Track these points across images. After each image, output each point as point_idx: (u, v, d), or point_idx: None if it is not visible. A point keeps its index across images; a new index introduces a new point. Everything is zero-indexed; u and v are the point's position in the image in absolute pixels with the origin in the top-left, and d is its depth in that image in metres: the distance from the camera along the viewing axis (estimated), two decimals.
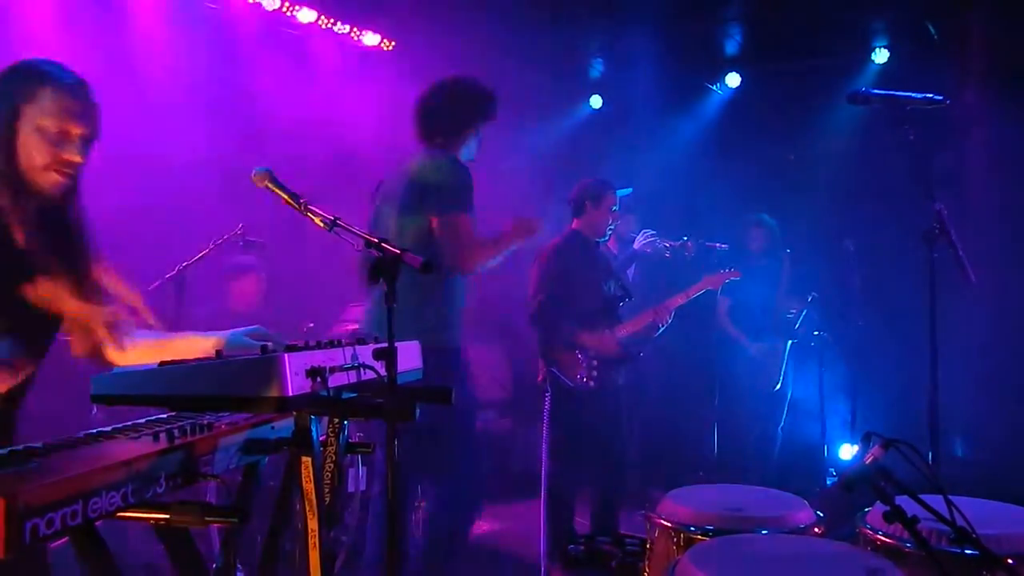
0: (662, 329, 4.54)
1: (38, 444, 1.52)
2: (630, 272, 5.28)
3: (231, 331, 2.11)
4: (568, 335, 4.16)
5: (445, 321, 3.18)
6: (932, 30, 5.93)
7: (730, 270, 4.89)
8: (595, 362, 4.20)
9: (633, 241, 5.10)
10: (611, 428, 4.35)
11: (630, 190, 4.60)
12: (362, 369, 1.88)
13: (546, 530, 4.06)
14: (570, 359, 4.18)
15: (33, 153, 1.83)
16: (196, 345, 2.04)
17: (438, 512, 3.27)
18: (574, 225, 4.44)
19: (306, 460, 1.80)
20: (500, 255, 3.22)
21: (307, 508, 1.81)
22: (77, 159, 1.88)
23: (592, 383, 4.18)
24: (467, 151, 3.40)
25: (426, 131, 3.40)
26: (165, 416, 1.90)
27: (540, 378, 4.30)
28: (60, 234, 1.96)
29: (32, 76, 1.84)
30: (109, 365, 2.03)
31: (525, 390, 3.46)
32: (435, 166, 3.22)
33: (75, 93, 1.87)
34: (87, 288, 1.98)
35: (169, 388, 1.68)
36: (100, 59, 4.37)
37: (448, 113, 3.38)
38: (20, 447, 1.48)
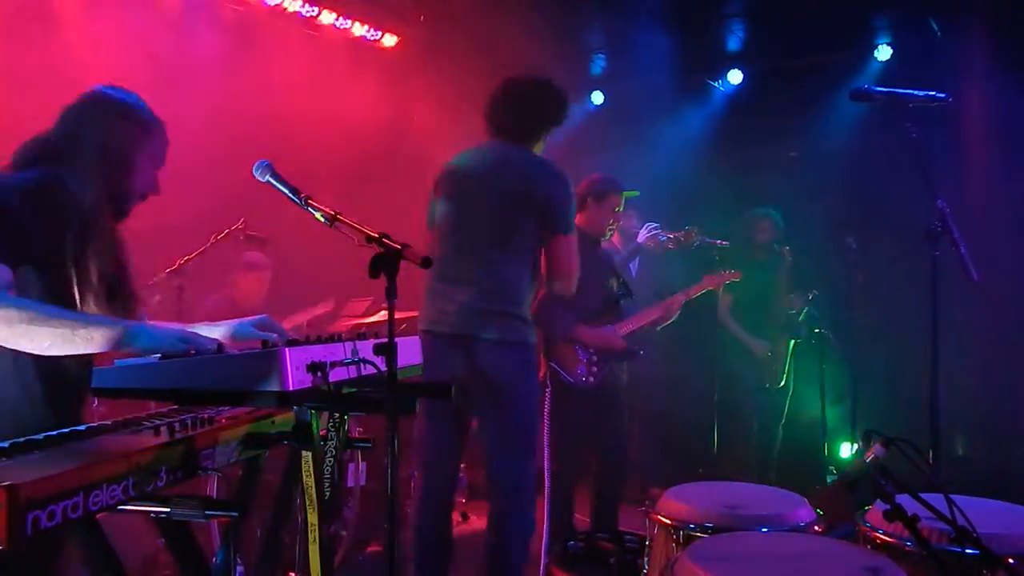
0: (662, 326, 4.54)
1: (40, 436, 1.52)
2: (633, 267, 5.28)
3: (238, 322, 2.13)
4: (568, 331, 4.16)
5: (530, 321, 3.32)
6: (935, 27, 5.92)
7: (730, 271, 4.89)
8: (595, 358, 4.20)
9: (636, 236, 5.09)
10: (611, 425, 4.35)
11: (638, 192, 4.58)
12: (363, 364, 1.88)
13: (547, 527, 4.07)
14: (570, 355, 4.17)
15: (146, 181, 2.15)
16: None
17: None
18: (576, 221, 4.42)
19: (306, 455, 1.80)
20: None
21: (307, 502, 1.82)
22: (157, 190, 2.21)
23: (592, 379, 4.17)
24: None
25: (517, 126, 3.36)
26: (166, 410, 1.90)
27: (541, 375, 4.30)
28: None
29: (144, 115, 2.14)
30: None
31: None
32: (559, 179, 3.29)
33: (165, 134, 2.21)
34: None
35: (170, 382, 1.68)
36: (99, 56, 4.39)
37: (539, 111, 3.40)
38: (21, 439, 1.48)
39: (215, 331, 2.10)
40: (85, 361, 1.98)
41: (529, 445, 3.27)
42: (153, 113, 2.16)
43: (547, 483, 4.12)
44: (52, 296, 1.86)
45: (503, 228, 3.21)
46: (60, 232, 1.91)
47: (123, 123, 2.08)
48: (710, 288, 4.81)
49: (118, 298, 2.08)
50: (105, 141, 2.03)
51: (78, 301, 1.95)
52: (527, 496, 3.25)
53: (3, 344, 1.75)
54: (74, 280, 1.94)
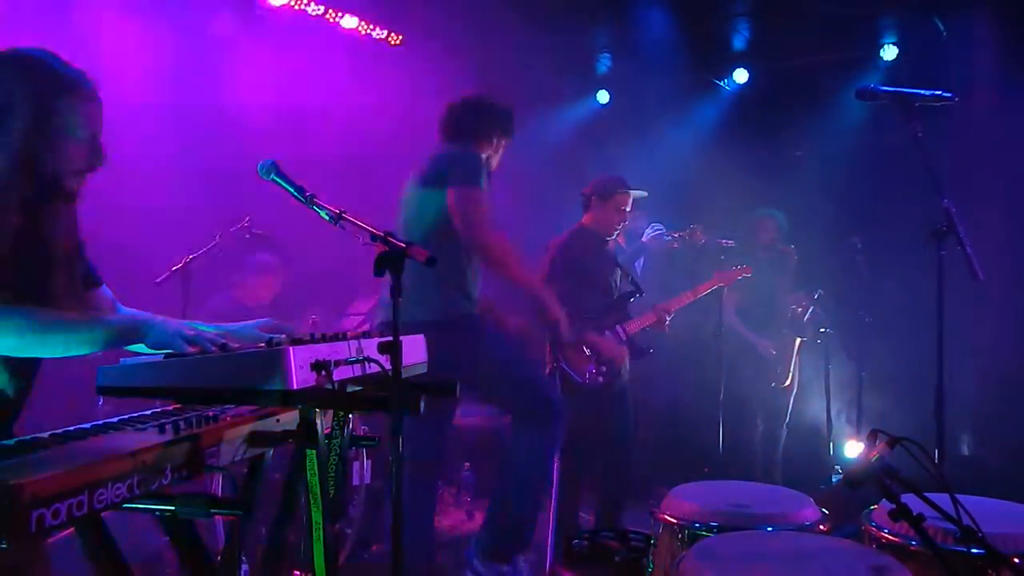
0: (669, 319, 4.53)
1: (45, 435, 1.52)
2: (638, 265, 5.27)
3: (242, 324, 2.13)
4: (576, 331, 4.16)
5: (466, 292, 3.38)
6: (941, 26, 5.90)
7: (741, 267, 4.87)
8: (604, 358, 4.19)
9: (641, 235, 5.09)
10: (619, 424, 4.35)
11: (646, 193, 4.57)
12: (367, 363, 1.88)
13: (553, 525, 4.07)
14: (579, 355, 4.17)
15: (72, 157, 1.83)
16: None
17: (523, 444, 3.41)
18: (583, 220, 4.42)
19: (311, 453, 1.80)
20: (513, 271, 3.38)
21: (312, 501, 1.82)
22: (102, 162, 1.89)
23: (601, 379, 4.17)
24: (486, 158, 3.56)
25: (450, 131, 3.59)
26: (171, 408, 1.90)
27: (547, 371, 4.31)
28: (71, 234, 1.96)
29: (57, 77, 1.81)
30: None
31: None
32: (455, 149, 3.46)
33: (96, 97, 1.87)
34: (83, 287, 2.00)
35: (175, 380, 1.68)
36: (100, 53, 4.40)
37: (472, 118, 3.59)
38: (27, 438, 1.49)
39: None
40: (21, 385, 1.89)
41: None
42: (76, 71, 1.85)
43: (554, 481, 4.12)
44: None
45: (416, 218, 3.37)
46: None
47: (36, 89, 1.77)
48: (721, 285, 4.81)
49: (68, 279, 1.90)
50: (12, 112, 1.74)
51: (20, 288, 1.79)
52: None
53: (14, 354, 1.71)
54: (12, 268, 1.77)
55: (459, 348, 3.17)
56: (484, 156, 3.51)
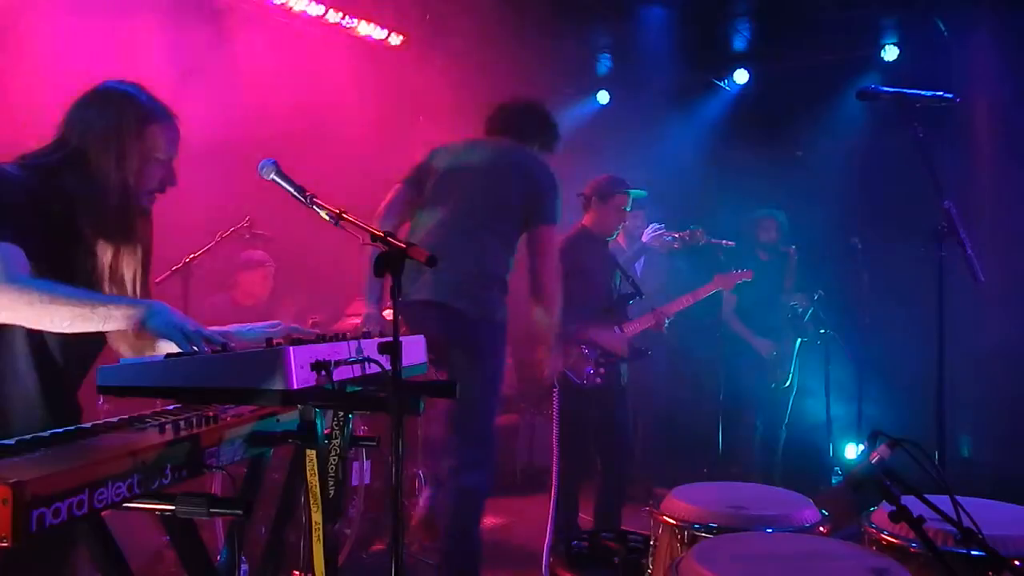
0: (667, 322, 4.53)
1: (46, 434, 1.52)
2: (638, 266, 5.27)
3: (249, 326, 2.16)
4: (575, 331, 4.15)
5: (504, 299, 3.39)
6: (942, 27, 5.90)
7: (742, 271, 4.87)
8: (602, 359, 4.19)
9: (641, 236, 5.08)
10: (616, 425, 4.35)
11: (645, 193, 4.57)
12: (367, 363, 1.88)
13: (552, 525, 4.07)
14: (577, 356, 4.17)
15: (152, 178, 2.11)
16: None
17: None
18: (583, 221, 4.42)
19: (310, 453, 1.80)
20: (555, 316, 3.44)
21: (311, 501, 1.82)
22: (174, 182, 2.18)
23: (599, 380, 4.17)
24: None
25: (518, 128, 3.58)
26: (171, 408, 1.90)
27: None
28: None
29: (147, 108, 2.09)
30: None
31: (530, 385, 3.48)
32: (548, 172, 3.46)
33: (176, 125, 2.16)
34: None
35: (175, 380, 1.68)
36: (102, 51, 4.40)
37: (533, 121, 3.63)
38: (28, 437, 1.49)
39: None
40: (83, 362, 2.05)
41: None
42: (160, 103, 2.14)
43: (553, 482, 4.12)
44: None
45: (492, 211, 3.35)
46: (60, 233, 1.94)
47: (126, 117, 2.06)
48: (721, 288, 4.80)
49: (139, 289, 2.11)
50: (107, 136, 2.02)
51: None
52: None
53: (25, 324, 1.81)
54: (78, 277, 1.95)
55: (485, 349, 3.23)
56: None
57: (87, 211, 1.98)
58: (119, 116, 2.05)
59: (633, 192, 4.41)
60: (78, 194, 1.98)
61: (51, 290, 1.79)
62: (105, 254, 2.04)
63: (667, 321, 4.48)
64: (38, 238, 1.88)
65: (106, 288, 2.05)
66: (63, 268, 1.92)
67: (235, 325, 2.21)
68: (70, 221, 1.97)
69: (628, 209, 4.40)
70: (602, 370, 4.18)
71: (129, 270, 2.09)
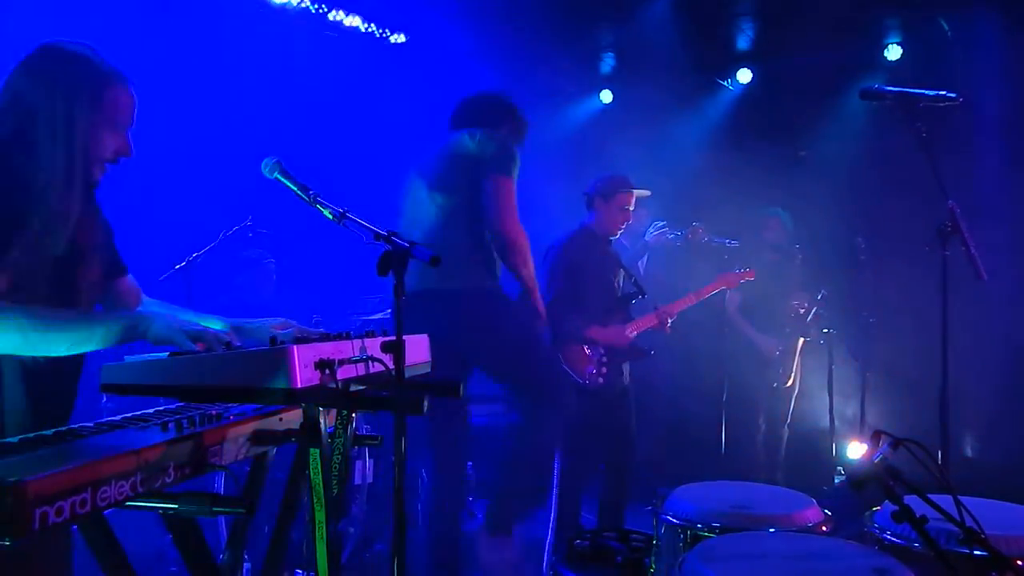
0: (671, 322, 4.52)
1: (48, 432, 1.53)
2: (641, 264, 5.27)
3: (259, 320, 2.17)
4: (578, 330, 4.15)
5: (491, 269, 3.43)
6: (945, 26, 5.88)
7: (745, 270, 4.86)
8: (604, 358, 4.19)
9: (644, 234, 5.08)
10: (618, 424, 4.34)
11: (649, 192, 4.56)
12: (371, 362, 1.88)
13: (554, 525, 4.07)
14: (579, 354, 4.17)
15: (107, 144, 1.92)
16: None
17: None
18: (586, 220, 4.41)
19: (314, 452, 1.80)
20: (528, 269, 3.44)
21: (314, 500, 1.82)
22: (130, 153, 1.98)
23: (602, 379, 4.16)
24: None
25: (468, 118, 3.59)
26: (174, 406, 1.90)
27: None
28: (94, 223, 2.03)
29: (102, 70, 1.91)
30: None
31: None
32: (486, 136, 3.43)
33: (131, 91, 1.96)
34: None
35: (179, 378, 1.68)
36: (103, 50, 4.39)
37: (490, 108, 3.60)
38: (31, 435, 1.49)
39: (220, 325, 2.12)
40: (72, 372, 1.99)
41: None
42: (114, 67, 1.94)
43: (555, 481, 4.12)
44: (14, 281, 1.77)
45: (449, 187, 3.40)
46: (10, 210, 1.79)
47: (72, 81, 1.86)
48: (725, 287, 4.79)
49: (93, 269, 1.98)
50: (52, 104, 1.83)
51: (44, 281, 1.85)
52: None
53: (18, 353, 1.74)
54: (38, 261, 1.82)
55: (481, 316, 3.28)
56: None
57: (35, 196, 1.80)
58: (68, 80, 1.86)
59: (637, 191, 4.39)
60: (27, 177, 1.80)
61: (42, 314, 1.72)
62: (58, 247, 1.85)
63: (670, 320, 4.46)
64: None
65: (78, 294, 1.93)
66: (24, 272, 1.78)
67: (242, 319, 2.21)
68: (18, 213, 1.78)
69: (631, 208, 4.39)
70: (604, 370, 4.18)
71: (88, 264, 1.95)
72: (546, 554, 3.94)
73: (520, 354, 3.40)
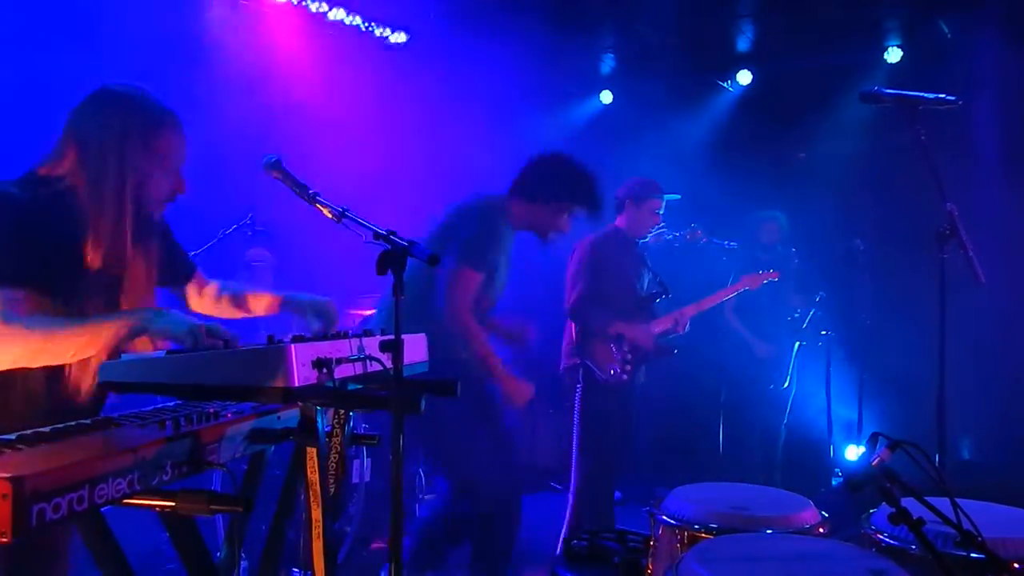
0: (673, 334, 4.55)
1: (46, 429, 1.53)
2: None
3: (303, 294, 2.30)
4: (605, 327, 4.17)
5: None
6: (945, 29, 5.89)
7: (769, 271, 4.87)
8: (629, 356, 4.21)
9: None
10: (629, 423, 4.38)
11: (678, 196, 4.59)
12: (368, 361, 1.88)
13: (570, 524, 4.07)
14: (605, 352, 4.20)
15: (163, 187, 2.04)
16: (262, 299, 2.39)
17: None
18: (616, 222, 4.45)
19: (311, 451, 1.80)
20: (477, 347, 3.31)
21: (311, 498, 1.82)
22: (184, 190, 2.11)
23: (625, 376, 4.19)
24: (550, 223, 3.54)
25: (515, 185, 3.54)
26: (172, 404, 1.90)
27: (562, 367, 4.32)
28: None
29: (155, 112, 2.01)
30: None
31: (539, 383, 3.47)
32: (469, 211, 3.39)
33: (182, 131, 2.07)
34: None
35: (176, 376, 1.68)
36: (99, 52, 4.39)
37: (538, 179, 3.52)
38: (29, 432, 1.49)
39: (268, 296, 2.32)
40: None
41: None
42: (166, 108, 2.03)
43: (573, 482, 4.12)
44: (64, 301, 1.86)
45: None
46: (61, 253, 1.87)
47: (129, 125, 1.94)
48: (748, 288, 4.81)
49: (138, 284, 2.06)
50: (105, 149, 1.92)
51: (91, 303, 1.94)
52: None
53: (24, 364, 1.78)
54: (84, 300, 1.91)
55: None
56: (509, 231, 3.48)
57: (89, 233, 1.90)
58: (122, 125, 1.94)
59: (667, 196, 4.45)
60: (80, 215, 1.89)
61: (45, 324, 1.76)
62: (110, 277, 1.96)
63: (687, 321, 4.50)
64: (39, 268, 1.81)
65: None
66: (72, 297, 1.87)
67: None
68: (74, 245, 1.88)
69: (661, 213, 4.42)
70: (628, 367, 4.20)
71: (137, 292, 2.03)
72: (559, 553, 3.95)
73: (453, 450, 3.34)
